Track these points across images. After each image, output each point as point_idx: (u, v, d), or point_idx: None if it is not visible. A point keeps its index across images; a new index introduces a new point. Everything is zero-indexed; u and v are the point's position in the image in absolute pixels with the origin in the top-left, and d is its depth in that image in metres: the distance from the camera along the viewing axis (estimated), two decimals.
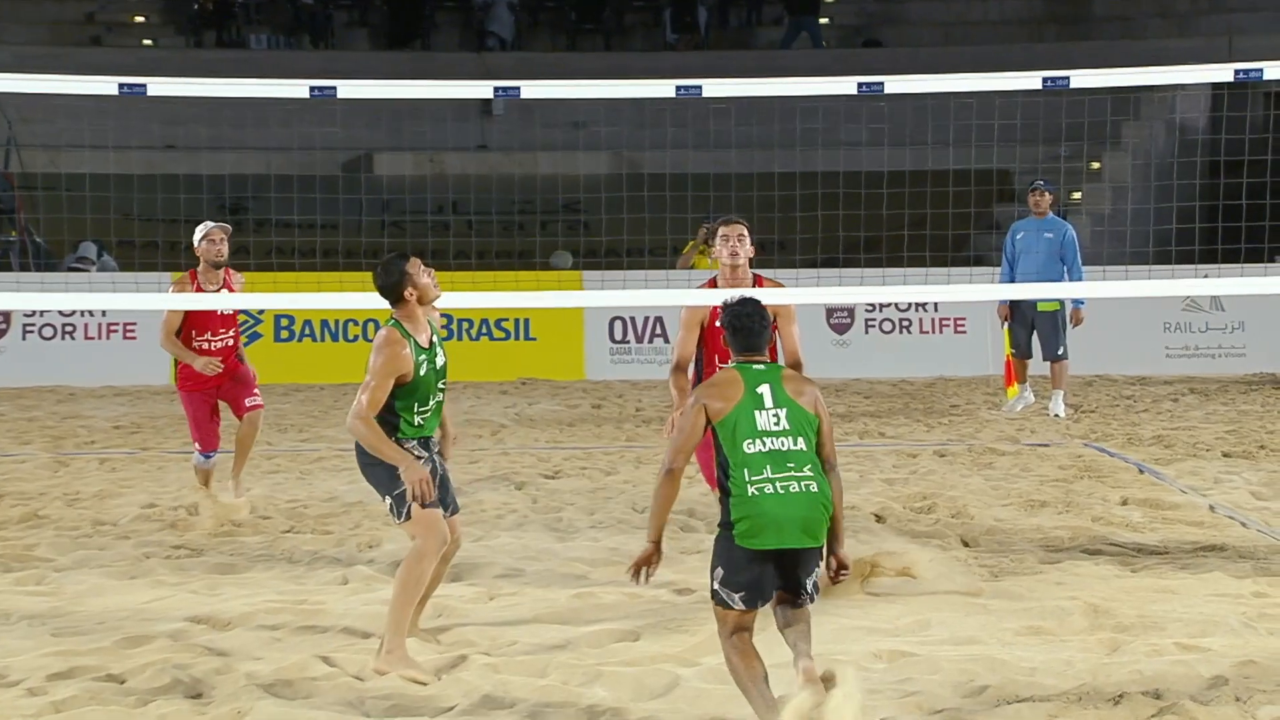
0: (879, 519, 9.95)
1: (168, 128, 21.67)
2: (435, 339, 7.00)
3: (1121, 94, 16.98)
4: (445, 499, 6.98)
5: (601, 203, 18.44)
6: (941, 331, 19.00)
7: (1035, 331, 15.03)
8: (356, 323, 18.44)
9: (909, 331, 19.04)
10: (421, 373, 6.83)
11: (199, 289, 10.09)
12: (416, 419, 6.83)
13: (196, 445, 10.33)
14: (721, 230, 8.51)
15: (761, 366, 6.02)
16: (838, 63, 24.61)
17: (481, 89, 9.64)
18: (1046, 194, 14.93)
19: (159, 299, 10.41)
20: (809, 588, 5.91)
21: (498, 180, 21.15)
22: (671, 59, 25.97)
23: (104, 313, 18.31)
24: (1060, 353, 14.91)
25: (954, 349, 18.76)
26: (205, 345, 10.14)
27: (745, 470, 5.83)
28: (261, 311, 18.37)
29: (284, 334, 18.68)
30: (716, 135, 16.93)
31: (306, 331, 18.59)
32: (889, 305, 18.82)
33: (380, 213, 21.37)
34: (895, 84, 9.41)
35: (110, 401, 16.94)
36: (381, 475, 6.79)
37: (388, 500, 6.80)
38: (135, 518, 10.16)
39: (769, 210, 16.47)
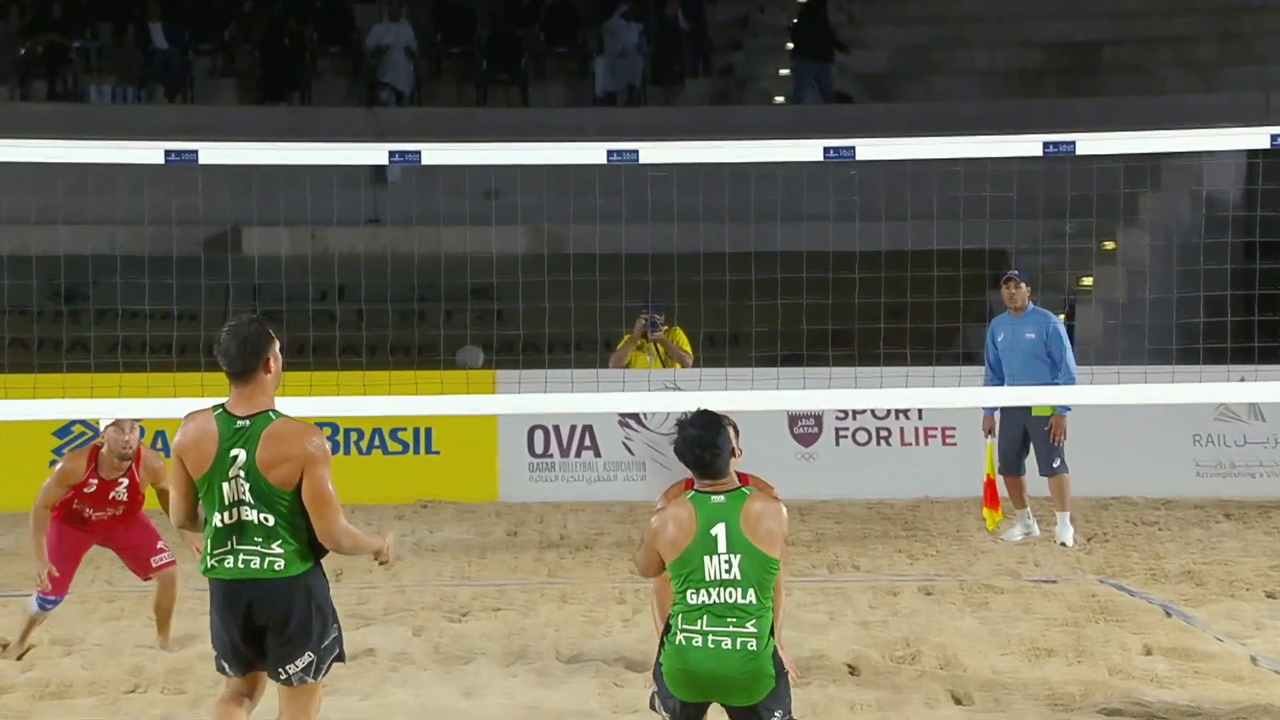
0: (852, 670, 9.92)
1: None
2: None
3: (1137, 161, 17.12)
4: None
5: (518, 288, 18.44)
6: (926, 443, 19.06)
7: (1030, 441, 15.12)
8: None
9: (887, 443, 19.09)
10: None
11: (93, 475, 10.57)
12: None
13: (40, 587, 10.39)
14: None
15: (720, 499, 6.54)
16: (800, 121, 24.82)
17: (374, 152, 9.66)
18: (1022, 285, 15.20)
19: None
20: None
21: (393, 260, 21.12)
22: (602, 116, 26.11)
23: None
24: (1057, 465, 15.00)
25: (941, 464, 18.81)
26: (88, 515, 10.65)
27: (681, 616, 6.47)
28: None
29: None
30: (656, 207, 17.00)
31: (158, 444, 18.44)
32: (863, 411, 18.88)
33: (250, 300, 21.27)
34: (868, 148, 9.49)
35: None
36: (322, 622, 6.76)
37: (309, 657, 6.74)
38: None
39: (719, 297, 16.51)
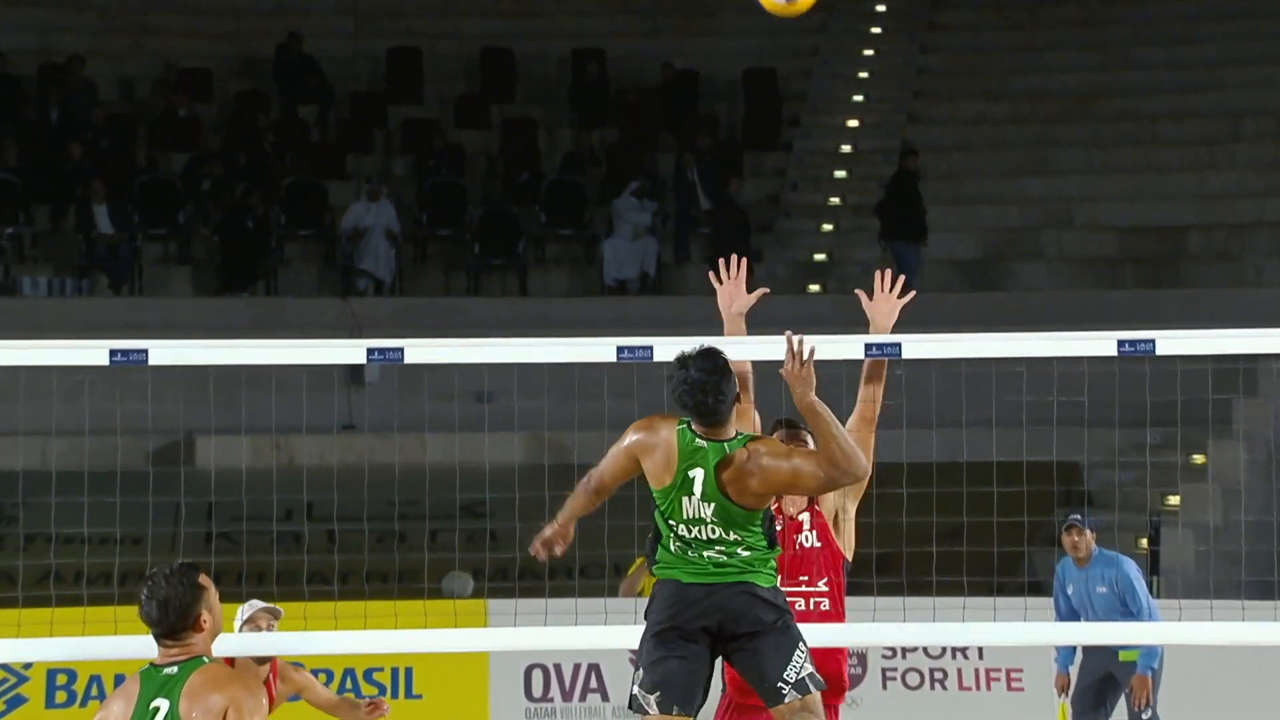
0: None
1: None
2: None
3: (1229, 363, 17.23)
4: None
5: (514, 504, 18.46)
6: (989, 687, 18.94)
7: (1117, 689, 15.03)
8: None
9: (943, 686, 18.98)
10: None
11: None
12: None
13: None
14: None
15: (703, 444, 7.91)
16: (837, 314, 24.93)
17: (349, 349, 9.74)
18: (1086, 532, 15.19)
19: None
20: (788, 679, 7.64)
21: (370, 473, 21.15)
22: (611, 307, 26.26)
23: None
24: (1148, 717, 14.89)
25: (1006, 711, 18.70)
26: None
27: (672, 540, 7.94)
28: (28, 666, 18.19)
29: (60, 696, 18.44)
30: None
31: (94, 692, 18.38)
32: (914, 650, 18.79)
33: (204, 521, 21.30)
34: (916, 346, 9.55)
35: None
36: None
37: None
38: None
39: None
